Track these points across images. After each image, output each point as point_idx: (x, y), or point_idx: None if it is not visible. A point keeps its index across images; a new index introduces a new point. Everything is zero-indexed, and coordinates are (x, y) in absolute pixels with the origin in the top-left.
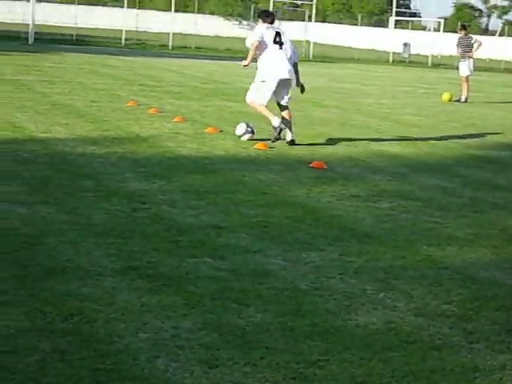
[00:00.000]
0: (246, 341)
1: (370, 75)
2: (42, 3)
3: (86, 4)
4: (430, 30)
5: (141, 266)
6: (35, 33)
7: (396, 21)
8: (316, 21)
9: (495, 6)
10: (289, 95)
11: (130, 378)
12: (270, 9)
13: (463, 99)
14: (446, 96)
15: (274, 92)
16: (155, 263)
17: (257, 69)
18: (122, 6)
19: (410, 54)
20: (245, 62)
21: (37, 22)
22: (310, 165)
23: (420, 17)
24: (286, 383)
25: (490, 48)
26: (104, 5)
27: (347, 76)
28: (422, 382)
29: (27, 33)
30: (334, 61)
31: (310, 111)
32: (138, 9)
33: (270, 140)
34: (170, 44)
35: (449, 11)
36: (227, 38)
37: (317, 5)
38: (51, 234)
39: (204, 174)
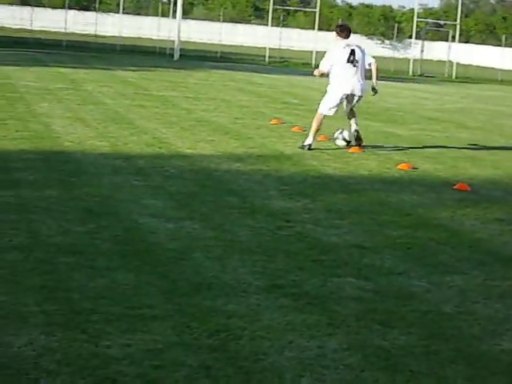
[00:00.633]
0: (390, 363)
1: None
2: (188, 20)
3: (230, 21)
4: None
5: (285, 285)
6: (180, 49)
7: None
8: (459, 41)
9: None
10: (354, 105)
11: None
12: (414, 28)
13: None
14: None
15: (341, 103)
16: (299, 282)
17: (329, 84)
18: (266, 24)
19: None
20: (317, 73)
21: (182, 39)
22: (454, 187)
23: None
24: None
25: None
26: (248, 22)
27: (490, 97)
28: None
29: (173, 49)
30: (476, 82)
31: (452, 132)
32: (282, 27)
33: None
34: (313, 62)
35: None
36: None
37: (460, 25)
38: (197, 250)
39: (348, 193)
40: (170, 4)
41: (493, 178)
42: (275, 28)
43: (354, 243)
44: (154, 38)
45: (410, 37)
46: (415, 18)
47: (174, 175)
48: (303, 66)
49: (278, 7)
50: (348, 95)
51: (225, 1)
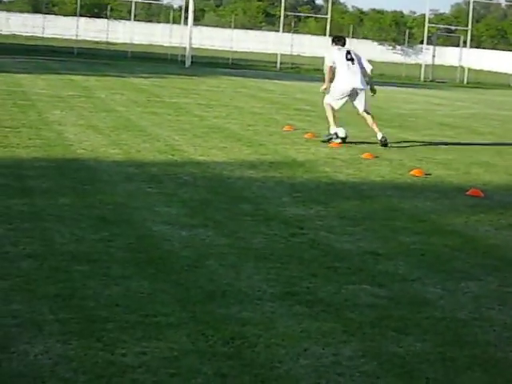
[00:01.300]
0: (405, 370)
1: None
2: (199, 26)
3: (241, 28)
4: None
5: (300, 292)
6: (192, 56)
7: None
8: (471, 46)
9: None
10: (363, 103)
11: None
12: (425, 34)
13: None
14: None
15: (348, 100)
16: (314, 289)
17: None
18: (278, 30)
19: None
20: (323, 87)
21: (193, 45)
22: (467, 193)
23: None
24: None
25: None
26: (259, 29)
27: (502, 103)
28: None
29: (184, 56)
30: (488, 87)
31: (465, 138)
32: (293, 33)
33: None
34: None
35: None
36: (381, 62)
37: (472, 30)
38: (211, 257)
39: (361, 199)
40: (181, 11)
41: (506, 183)
42: (286, 34)
43: (367, 250)
44: (165, 44)
45: (422, 42)
46: (426, 24)
47: (187, 182)
48: (314, 71)
49: (289, 13)
50: (351, 90)
51: (236, 7)
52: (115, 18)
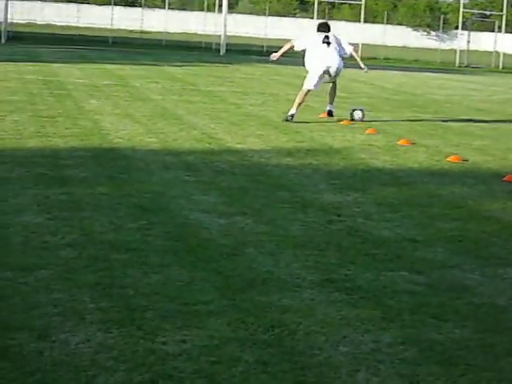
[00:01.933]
0: (445, 357)
1: None
2: (233, 14)
3: (275, 15)
4: None
5: (338, 279)
6: (226, 44)
7: None
8: (506, 31)
9: None
10: (335, 77)
11: None
12: (460, 19)
13: None
14: None
15: (322, 78)
16: (352, 276)
17: (304, 65)
18: (312, 17)
19: None
20: (274, 56)
21: (228, 33)
22: (504, 178)
23: None
24: None
25: None
26: (293, 16)
27: None
28: None
29: (219, 44)
30: None
31: (501, 123)
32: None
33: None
34: (360, 54)
35: None
36: (415, 48)
37: (507, 15)
38: (250, 245)
39: (398, 186)
40: None
41: None
42: (321, 21)
43: (405, 237)
44: (199, 32)
45: (456, 28)
46: (461, 9)
47: (224, 170)
48: (349, 58)
49: (323, 0)
50: (326, 69)
51: None
52: (149, 7)
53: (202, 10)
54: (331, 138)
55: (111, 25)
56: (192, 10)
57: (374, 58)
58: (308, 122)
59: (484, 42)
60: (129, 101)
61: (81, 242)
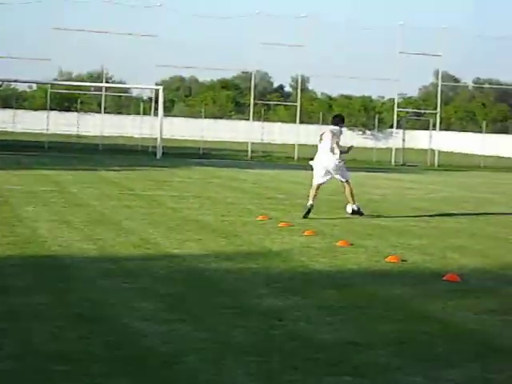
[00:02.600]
0: None
1: (497, 183)
2: (169, 117)
3: (211, 117)
4: None
5: None
6: (163, 147)
7: None
8: (440, 129)
9: None
10: (340, 175)
11: None
12: (394, 118)
13: None
14: None
15: (327, 174)
16: (295, 382)
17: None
18: (248, 119)
19: None
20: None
21: (164, 136)
22: (444, 278)
23: None
24: None
25: None
26: (229, 118)
27: (473, 185)
28: None
29: (155, 147)
30: (459, 169)
31: (438, 222)
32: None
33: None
34: (296, 155)
35: None
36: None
37: (440, 113)
38: (191, 353)
39: (337, 288)
40: (151, 102)
41: (482, 267)
42: (256, 122)
43: (347, 340)
44: (135, 136)
45: (391, 126)
46: (395, 108)
47: (163, 276)
48: (286, 159)
49: (259, 102)
50: (323, 169)
51: (205, 97)
52: (85, 111)
53: (138, 113)
54: (270, 241)
55: (47, 130)
56: (128, 113)
57: (311, 159)
58: (246, 225)
59: (419, 139)
60: (66, 207)
61: (20, 353)
